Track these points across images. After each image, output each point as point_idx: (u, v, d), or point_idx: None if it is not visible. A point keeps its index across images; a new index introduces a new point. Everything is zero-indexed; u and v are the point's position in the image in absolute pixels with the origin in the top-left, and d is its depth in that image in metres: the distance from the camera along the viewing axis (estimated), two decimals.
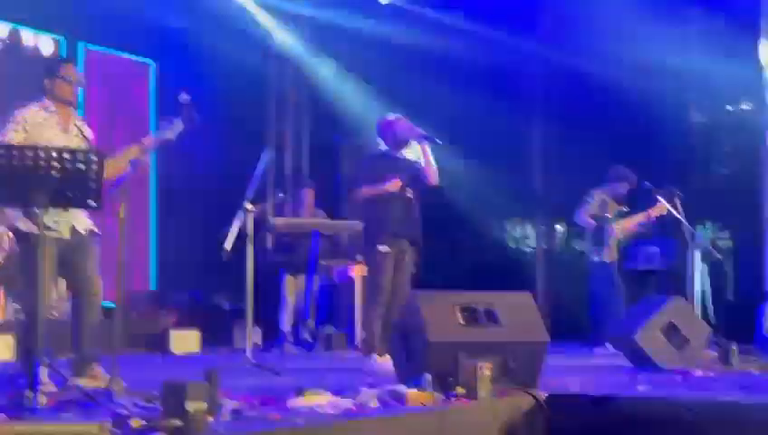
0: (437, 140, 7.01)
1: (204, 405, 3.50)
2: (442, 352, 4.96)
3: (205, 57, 11.04)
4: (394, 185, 6.89)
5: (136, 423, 3.51)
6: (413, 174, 7.09)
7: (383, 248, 6.88)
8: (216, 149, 11.18)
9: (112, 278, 5.55)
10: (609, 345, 8.59)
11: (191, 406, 3.43)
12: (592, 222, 9.41)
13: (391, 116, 7.19)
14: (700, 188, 15.26)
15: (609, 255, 9.35)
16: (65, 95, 5.41)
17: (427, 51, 12.33)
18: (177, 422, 3.39)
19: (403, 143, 7.09)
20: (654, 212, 9.36)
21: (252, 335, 7.64)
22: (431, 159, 7.03)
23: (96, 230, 5.51)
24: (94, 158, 4.52)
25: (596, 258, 9.40)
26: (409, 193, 7.05)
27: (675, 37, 12.08)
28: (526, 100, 13.71)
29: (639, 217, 9.48)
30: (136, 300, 10.54)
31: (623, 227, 9.44)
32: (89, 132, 5.57)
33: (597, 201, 9.45)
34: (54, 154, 4.45)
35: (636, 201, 9.89)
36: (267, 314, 11.17)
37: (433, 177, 7.08)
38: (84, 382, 4.84)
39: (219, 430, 3.57)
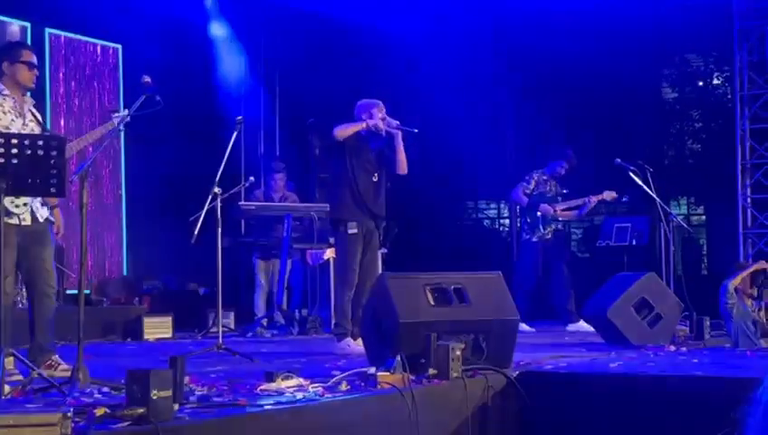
0: (414, 130, 6.96)
1: (169, 392, 3.46)
2: (413, 333, 4.93)
3: (173, 41, 10.93)
4: (368, 124, 6.84)
5: (100, 412, 3.46)
6: (381, 156, 7.06)
7: (351, 229, 6.85)
8: (186, 134, 11.09)
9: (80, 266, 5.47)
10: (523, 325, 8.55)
11: (155, 394, 3.39)
12: (525, 199, 9.49)
13: (371, 101, 7.13)
14: (674, 164, 15.37)
15: (541, 234, 9.42)
16: (26, 81, 5.34)
17: (398, 32, 12.28)
18: (142, 410, 3.34)
19: (377, 130, 7.04)
20: (594, 198, 9.47)
21: (224, 320, 7.62)
22: (402, 149, 6.99)
23: (53, 220, 5.46)
24: (55, 144, 4.45)
25: (525, 236, 9.51)
26: (375, 177, 7.01)
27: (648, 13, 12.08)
28: (499, 80, 13.68)
29: (577, 202, 9.57)
30: (109, 287, 10.47)
31: (559, 211, 9.51)
32: (41, 118, 5.51)
33: (535, 181, 9.53)
34: (14, 141, 4.38)
35: (608, 179, 9.91)
36: (242, 299, 11.14)
37: (402, 167, 7.05)
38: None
39: (184, 416, 3.53)
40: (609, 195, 9.54)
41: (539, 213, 9.45)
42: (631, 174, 8.83)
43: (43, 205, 5.32)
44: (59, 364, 5.17)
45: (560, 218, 9.65)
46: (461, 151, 13.76)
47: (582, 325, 8.96)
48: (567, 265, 9.60)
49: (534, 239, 9.46)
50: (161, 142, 11.00)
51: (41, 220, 5.27)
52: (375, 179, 7.01)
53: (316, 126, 11.45)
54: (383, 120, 6.95)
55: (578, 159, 9.79)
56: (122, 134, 11.10)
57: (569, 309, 9.33)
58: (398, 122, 6.97)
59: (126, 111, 5.34)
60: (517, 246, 9.64)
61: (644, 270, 7.69)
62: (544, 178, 9.62)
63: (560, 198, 9.60)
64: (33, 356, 5.10)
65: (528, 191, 9.54)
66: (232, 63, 12.32)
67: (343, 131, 6.87)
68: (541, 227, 9.45)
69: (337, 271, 7.26)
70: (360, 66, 12.59)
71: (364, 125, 6.91)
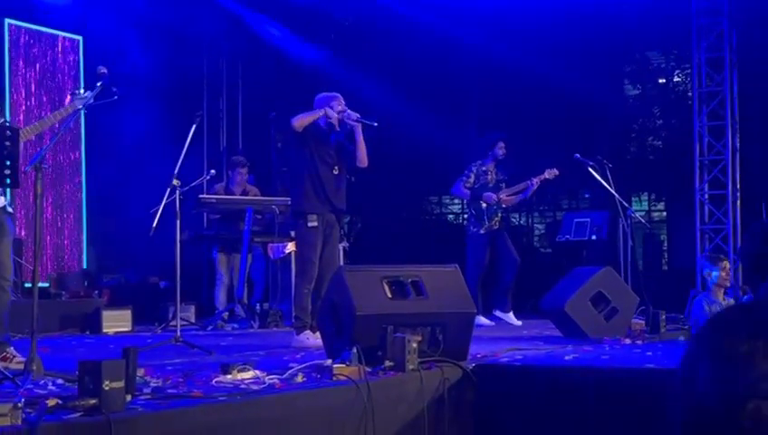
0: (374, 123, 6.95)
1: (121, 383, 3.45)
2: (370, 325, 4.95)
3: (134, 33, 10.87)
4: (325, 112, 6.85)
5: (51, 403, 3.44)
6: (341, 149, 7.07)
7: (311, 223, 6.86)
8: (146, 126, 11.03)
9: (43, 258, 5.44)
10: (480, 318, 8.62)
11: (107, 384, 3.38)
12: (467, 192, 9.51)
13: (330, 94, 7.14)
14: (635, 161, 15.52)
15: (487, 226, 9.42)
16: None
17: (359, 26, 12.30)
18: (93, 401, 3.34)
19: (337, 123, 7.05)
20: (536, 179, 9.47)
21: (184, 314, 7.60)
22: (362, 141, 6.99)
23: (10, 210, 5.39)
24: (8, 134, 4.42)
25: (473, 229, 9.51)
26: (336, 170, 7.01)
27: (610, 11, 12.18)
28: (462, 76, 13.75)
29: (520, 186, 9.57)
30: (68, 280, 10.40)
31: (503, 198, 9.52)
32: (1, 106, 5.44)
33: (475, 174, 9.53)
34: None
35: (569, 174, 9.98)
36: (203, 292, 11.12)
37: (362, 159, 7.04)
38: None
39: (137, 407, 3.53)
40: (550, 173, 9.47)
41: (483, 204, 9.42)
42: (590, 169, 8.90)
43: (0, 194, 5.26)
44: (14, 357, 5.13)
45: (504, 205, 9.62)
46: (424, 146, 13.82)
47: (510, 317, 9.06)
48: (517, 254, 9.54)
49: (482, 232, 9.43)
50: (122, 134, 10.95)
51: None
52: (336, 172, 7.00)
53: (278, 120, 11.44)
54: (342, 112, 6.94)
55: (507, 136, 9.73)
56: (83, 126, 11.04)
57: (507, 295, 9.35)
58: (357, 115, 6.95)
59: (88, 93, 5.27)
60: (467, 239, 9.57)
61: (603, 265, 7.77)
62: (483, 168, 9.56)
63: (502, 185, 9.59)
64: None
65: (469, 185, 9.52)
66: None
67: (301, 121, 6.84)
68: (486, 218, 9.41)
69: (297, 264, 7.26)
70: (323, 60, 12.59)
71: (322, 113, 6.90)
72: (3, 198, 5.29)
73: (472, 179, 9.51)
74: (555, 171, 9.48)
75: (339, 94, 7.10)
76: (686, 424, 1.48)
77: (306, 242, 6.91)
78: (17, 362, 4.97)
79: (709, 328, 1.55)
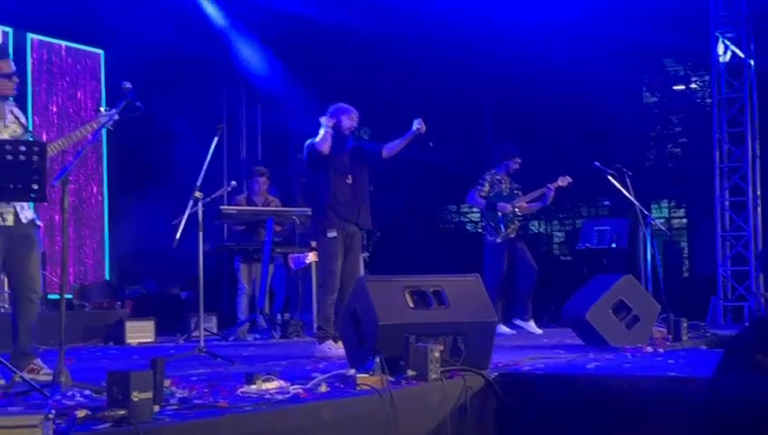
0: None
1: (149, 394, 3.50)
2: (392, 335, 4.98)
3: (155, 45, 10.96)
4: (328, 127, 6.93)
5: (81, 414, 3.49)
6: (354, 157, 7.12)
7: (330, 234, 6.90)
8: (167, 138, 11.13)
9: (61, 270, 5.50)
10: (501, 327, 8.65)
11: (136, 395, 3.43)
12: (482, 201, 9.49)
13: (345, 108, 7.15)
14: (654, 168, 15.49)
15: (504, 234, 9.40)
16: (5, 91, 5.29)
17: (379, 36, 12.35)
18: (122, 412, 3.39)
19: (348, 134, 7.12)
20: (553, 185, 9.46)
21: (206, 324, 7.65)
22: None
23: (38, 223, 5.45)
24: (36, 149, 4.48)
25: (489, 238, 9.48)
26: (349, 179, 7.06)
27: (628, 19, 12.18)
28: (480, 85, 13.77)
29: (536, 193, 9.56)
30: (91, 292, 10.49)
31: (519, 206, 9.51)
32: (24, 119, 5.49)
33: (489, 182, 9.52)
34: None
35: (589, 183, 9.99)
36: (224, 303, 11.18)
37: (390, 153, 7.12)
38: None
39: (165, 418, 3.57)
40: (563, 180, 9.45)
41: (498, 212, 9.41)
42: (610, 178, 8.91)
43: (28, 207, 5.31)
44: (41, 369, 5.18)
45: (521, 213, 9.62)
46: (443, 155, 13.84)
47: (531, 325, 9.06)
48: (534, 262, 9.52)
49: (499, 241, 9.42)
50: (143, 147, 11.04)
51: (24, 222, 5.25)
52: (349, 181, 7.06)
53: (297, 132, 11.51)
54: (350, 129, 7.07)
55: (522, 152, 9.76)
56: (105, 139, 11.14)
57: (526, 304, 9.35)
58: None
59: (112, 110, 5.33)
60: (483, 248, 9.53)
61: (623, 272, 7.77)
62: (497, 177, 9.56)
63: (518, 193, 9.57)
64: (15, 361, 5.10)
65: (483, 193, 9.50)
66: None
67: (325, 145, 6.92)
68: (502, 226, 9.41)
69: (318, 275, 7.30)
70: (344, 70, 12.64)
71: (332, 124, 6.96)
72: (31, 211, 5.35)
73: (486, 188, 9.50)
74: (568, 179, 9.46)
75: (354, 109, 7.17)
76: (713, 433, 1.52)
77: (327, 253, 6.96)
78: (44, 374, 5.02)
79: (741, 340, 1.58)
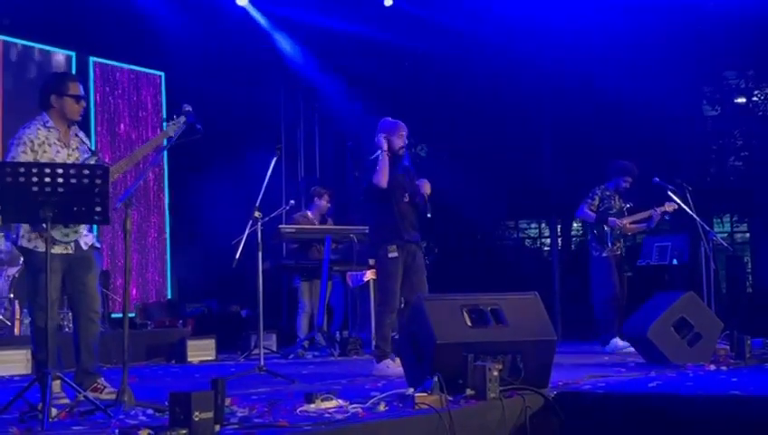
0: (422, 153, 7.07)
1: (210, 414, 3.55)
2: (450, 353, 4.98)
3: (213, 66, 11.13)
4: (385, 153, 6.95)
5: (144, 433, 3.55)
6: (409, 176, 7.13)
7: (391, 253, 6.92)
8: (227, 159, 11.26)
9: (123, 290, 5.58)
10: (617, 341, 8.61)
11: (197, 415, 3.48)
12: (593, 215, 9.34)
13: (394, 123, 7.17)
14: (716, 182, 15.26)
15: (610, 250, 9.28)
16: (73, 114, 5.35)
17: (431, 55, 12.38)
18: (184, 432, 3.44)
19: (402, 154, 7.14)
20: (660, 209, 9.32)
21: (265, 342, 7.71)
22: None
23: (98, 245, 5.54)
24: (99, 172, 4.58)
25: (595, 253, 9.35)
26: (406, 198, 7.07)
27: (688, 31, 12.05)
28: (537, 102, 13.72)
29: (643, 215, 9.42)
30: (153, 310, 10.64)
31: (626, 224, 9.37)
32: (89, 142, 5.59)
33: (599, 197, 9.39)
34: (60, 171, 4.51)
35: (647, 197, 9.87)
36: (283, 321, 11.26)
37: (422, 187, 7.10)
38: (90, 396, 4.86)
39: None
40: (670, 206, 9.24)
41: (606, 227, 9.26)
42: (670, 193, 8.80)
43: (88, 232, 5.41)
44: (104, 387, 5.26)
45: (628, 233, 9.50)
46: (500, 171, 13.80)
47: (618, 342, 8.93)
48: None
49: (605, 255, 9.23)
50: (203, 167, 11.18)
51: (84, 248, 5.35)
52: (406, 200, 7.07)
53: (354, 149, 11.58)
54: (402, 148, 7.08)
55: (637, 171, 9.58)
56: (166, 158, 11.32)
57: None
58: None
59: (182, 118, 5.38)
60: (590, 263, 9.35)
61: (685, 289, 7.66)
62: (608, 193, 9.40)
63: (625, 212, 9.44)
64: (78, 380, 5.18)
65: (593, 208, 9.36)
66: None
67: (384, 176, 6.94)
68: (609, 242, 9.22)
69: (378, 294, 7.31)
70: (392, 87, 12.68)
71: (386, 151, 6.98)
72: (92, 235, 5.45)
73: (596, 202, 9.34)
74: (675, 205, 9.21)
75: (402, 125, 7.17)
76: None
77: (386, 272, 6.97)
78: (108, 393, 5.10)
79: None
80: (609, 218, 9.21)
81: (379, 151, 7.04)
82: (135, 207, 10.56)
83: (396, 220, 6.97)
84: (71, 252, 5.22)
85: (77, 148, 5.38)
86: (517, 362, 5.17)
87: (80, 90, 5.40)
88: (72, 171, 4.55)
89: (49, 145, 5.23)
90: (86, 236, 5.34)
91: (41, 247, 4.96)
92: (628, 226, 9.33)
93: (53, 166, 4.59)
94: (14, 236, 5.30)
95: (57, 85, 5.37)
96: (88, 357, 5.26)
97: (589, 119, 13.38)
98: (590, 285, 9.28)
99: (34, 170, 4.47)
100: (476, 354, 4.94)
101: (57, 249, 5.10)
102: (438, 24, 12.15)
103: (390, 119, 7.25)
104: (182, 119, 5.37)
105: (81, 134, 5.50)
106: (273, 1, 11.85)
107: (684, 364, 6.64)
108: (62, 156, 5.24)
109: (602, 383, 5.59)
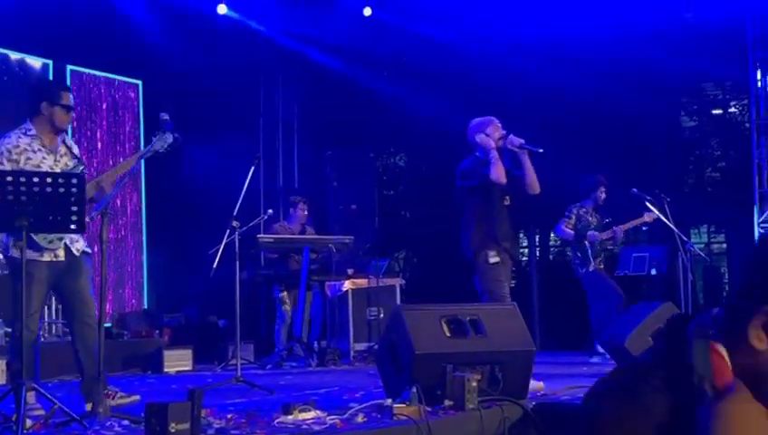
0: (540, 150, 6.48)
1: (187, 425, 3.52)
2: (428, 364, 4.96)
3: (192, 75, 11.08)
4: (496, 146, 6.34)
5: None
6: (508, 178, 6.55)
7: (492, 259, 6.42)
8: (204, 167, 11.22)
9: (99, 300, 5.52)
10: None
11: (174, 426, 3.45)
12: (571, 233, 9.35)
13: (484, 119, 6.68)
14: (693, 193, 15.35)
15: (594, 265, 9.28)
16: (62, 123, 5.28)
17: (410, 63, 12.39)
18: None
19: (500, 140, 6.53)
20: (637, 222, 9.36)
21: (243, 353, 7.66)
22: (530, 168, 6.49)
23: (89, 251, 5.48)
24: (75, 181, 4.54)
25: (581, 270, 9.33)
26: (507, 200, 6.59)
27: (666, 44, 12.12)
28: (519, 113, 13.73)
29: (636, 222, 9.44)
30: (129, 320, 10.55)
31: (605, 237, 9.39)
32: (77, 150, 5.53)
33: (575, 215, 9.40)
34: (36, 180, 4.47)
35: (625, 208, 9.91)
36: (262, 331, 11.20)
37: (533, 185, 6.54)
38: (108, 404, 4.72)
39: None
40: (650, 217, 9.23)
41: (587, 243, 9.26)
42: (648, 203, 8.83)
43: (78, 237, 5.31)
44: (116, 393, 5.17)
45: (609, 247, 9.48)
46: None
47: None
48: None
49: (591, 269, 9.24)
50: (180, 177, 11.12)
51: (76, 254, 5.26)
52: (507, 203, 6.59)
53: (333, 158, 11.56)
54: (502, 138, 6.50)
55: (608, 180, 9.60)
56: (143, 167, 11.26)
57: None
58: (521, 141, 6.46)
59: (169, 135, 5.28)
60: (582, 283, 9.34)
61: (662, 299, 7.68)
62: (583, 210, 9.43)
63: (606, 225, 9.42)
64: (87, 389, 5.06)
65: (570, 225, 9.37)
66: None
67: (502, 174, 6.40)
68: (592, 257, 9.27)
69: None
70: (377, 98, 12.68)
71: (495, 154, 6.40)
72: (82, 241, 5.37)
73: (573, 220, 9.35)
74: (654, 215, 9.19)
75: (494, 118, 6.69)
76: None
77: (492, 279, 6.42)
78: (120, 398, 5.03)
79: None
80: (589, 233, 9.23)
81: (477, 154, 6.55)
82: (111, 217, 10.55)
83: (495, 225, 6.48)
84: (61, 259, 5.16)
85: (66, 154, 5.32)
86: (496, 373, 5.17)
87: (71, 100, 5.35)
88: (47, 179, 4.51)
89: (33, 152, 5.16)
90: (77, 242, 5.28)
91: (29, 256, 4.87)
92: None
93: (29, 174, 4.55)
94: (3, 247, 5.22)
95: (50, 93, 5.31)
96: (91, 364, 5.12)
97: (566, 129, 13.41)
98: (588, 302, 9.25)
99: (9, 179, 4.43)
100: (455, 365, 4.94)
101: (45, 257, 5.06)
102: (416, 32, 12.17)
103: (479, 118, 6.73)
104: (169, 136, 5.29)
105: (70, 142, 5.45)
106: (252, 10, 11.82)
107: None
108: (49, 162, 5.18)
109: (581, 394, 5.58)
